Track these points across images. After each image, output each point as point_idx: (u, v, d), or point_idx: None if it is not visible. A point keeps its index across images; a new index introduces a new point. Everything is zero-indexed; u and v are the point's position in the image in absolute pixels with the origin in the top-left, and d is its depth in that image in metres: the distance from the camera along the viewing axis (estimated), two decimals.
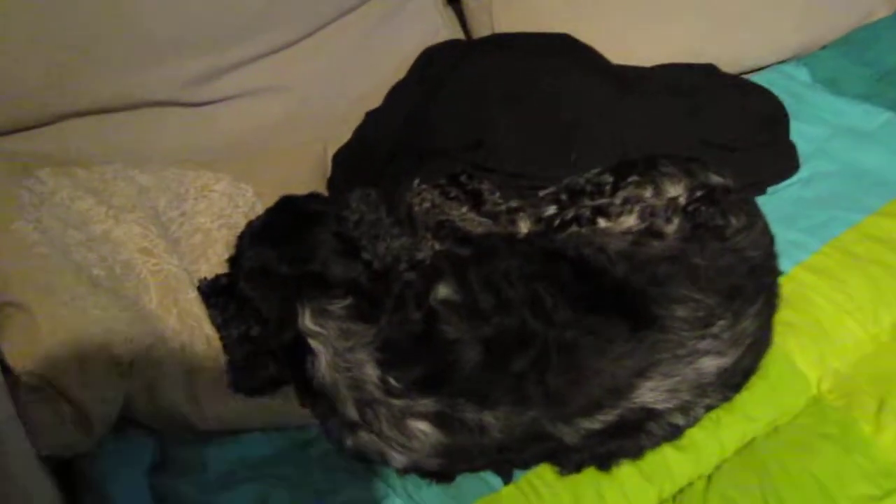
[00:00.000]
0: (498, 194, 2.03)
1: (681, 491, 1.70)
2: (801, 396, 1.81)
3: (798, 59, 2.44)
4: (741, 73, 2.37)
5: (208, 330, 1.67)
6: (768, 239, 1.78)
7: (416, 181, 2.01)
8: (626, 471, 1.68)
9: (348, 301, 1.65)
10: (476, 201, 2.00)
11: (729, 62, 2.34)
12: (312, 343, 1.63)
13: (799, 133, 2.24)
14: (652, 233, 1.74)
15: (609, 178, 1.89)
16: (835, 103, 2.31)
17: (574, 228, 1.80)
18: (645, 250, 1.69)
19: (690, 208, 1.76)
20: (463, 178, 2.02)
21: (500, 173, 2.06)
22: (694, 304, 1.62)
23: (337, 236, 1.74)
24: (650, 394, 1.61)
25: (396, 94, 2.20)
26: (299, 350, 1.64)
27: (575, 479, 1.67)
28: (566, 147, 2.06)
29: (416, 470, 1.62)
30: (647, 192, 1.81)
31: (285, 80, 1.99)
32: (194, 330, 1.65)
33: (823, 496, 1.65)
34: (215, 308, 1.73)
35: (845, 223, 2.04)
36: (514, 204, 1.95)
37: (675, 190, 1.81)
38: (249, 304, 1.69)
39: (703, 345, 1.62)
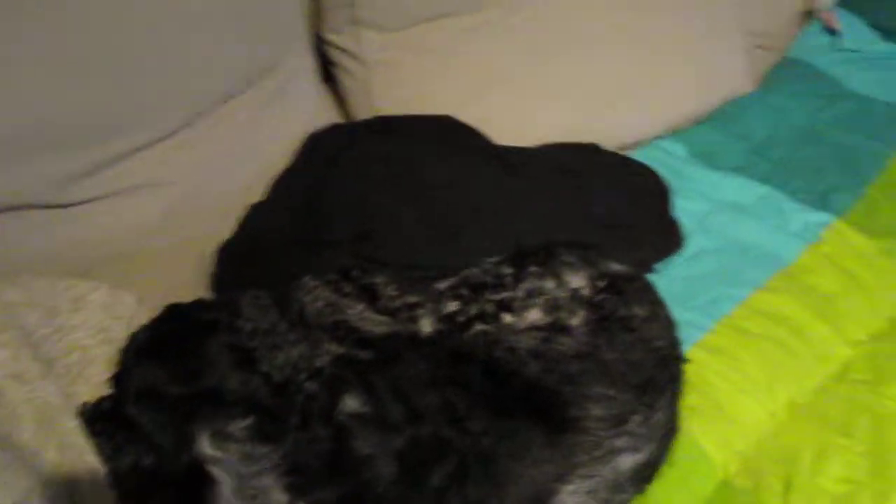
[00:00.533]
0: (393, 288, 1.95)
1: None
2: (709, 481, 1.81)
3: (675, 134, 2.49)
4: (621, 150, 2.40)
5: (93, 462, 1.51)
6: (672, 325, 1.78)
7: (307, 277, 1.91)
8: None
9: (249, 421, 1.53)
10: (371, 297, 1.92)
11: (610, 138, 2.36)
12: (213, 471, 1.50)
13: (681, 209, 2.28)
14: (559, 328, 1.71)
15: (508, 270, 1.85)
16: (711, 177, 2.38)
17: (479, 326, 1.74)
18: (555, 348, 1.66)
19: (596, 300, 1.74)
20: (355, 273, 1.94)
21: (392, 265, 1.99)
22: (608, 402, 1.59)
23: (231, 348, 1.62)
24: (570, 498, 1.56)
25: (282, 183, 2.11)
26: (197, 480, 1.51)
27: None
28: (457, 235, 2.02)
29: None
30: (550, 284, 1.79)
31: (164, 174, 1.87)
32: (76, 464, 1.48)
33: None
34: (100, 437, 1.57)
35: (734, 300, 2.07)
36: (411, 300, 1.88)
37: (577, 281, 1.79)
38: (139, 430, 1.54)
39: (620, 442, 1.59)
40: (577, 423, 1.56)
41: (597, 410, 1.58)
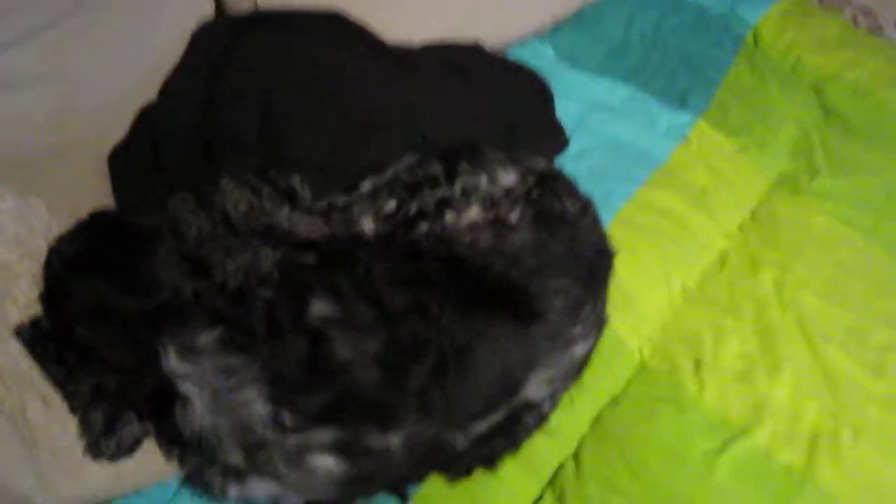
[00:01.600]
0: (309, 190, 1.87)
1: (555, 476, 1.72)
2: (628, 366, 1.92)
3: (540, 36, 2.53)
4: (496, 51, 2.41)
5: (43, 389, 1.35)
6: (598, 219, 1.85)
7: (224, 180, 1.78)
8: (508, 466, 1.67)
9: (218, 332, 1.43)
10: (291, 199, 1.82)
11: (483, 39, 2.36)
12: (183, 387, 1.39)
13: (559, 109, 2.33)
14: (501, 224, 1.72)
15: (438, 168, 1.82)
16: (580, 78, 2.45)
17: (424, 225, 1.71)
18: (510, 244, 1.67)
19: (531, 196, 1.76)
20: (272, 174, 1.83)
21: (302, 167, 1.89)
22: (566, 294, 1.64)
23: (182, 257, 1.49)
24: (533, 387, 1.61)
25: (173, 82, 1.92)
26: (164, 397, 1.39)
27: (465, 483, 1.62)
28: (367, 135, 1.95)
29: None
30: (483, 181, 1.79)
31: (54, 66, 1.64)
32: (25, 392, 1.31)
33: (674, 457, 1.78)
34: (48, 361, 1.39)
35: (623, 196, 2.18)
36: (341, 201, 1.80)
37: (509, 178, 1.80)
38: (93, 351, 1.39)
39: (575, 331, 1.65)
40: (542, 315, 1.60)
41: (557, 302, 1.63)
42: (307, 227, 1.74)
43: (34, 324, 1.42)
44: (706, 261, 2.15)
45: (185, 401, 1.39)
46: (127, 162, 1.81)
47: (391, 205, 1.76)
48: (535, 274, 1.62)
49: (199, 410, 1.39)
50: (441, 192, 1.77)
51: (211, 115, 1.87)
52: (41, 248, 1.49)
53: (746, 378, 1.93)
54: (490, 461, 1.63)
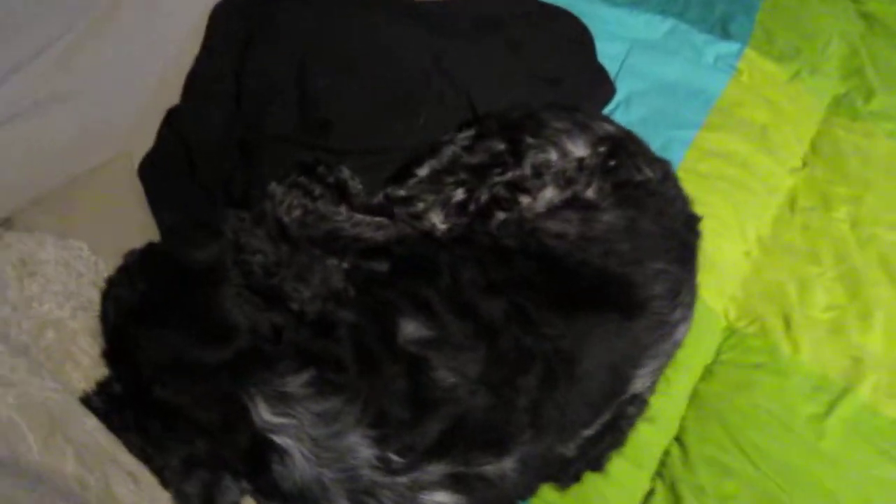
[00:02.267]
0: (358, 181, 1.70)
1: (662, 464, 1.62)
2: (716, 332, 1.82)
3: None
4: None
5: (129, 463, 1.20)
6: (678, 181, 1.70)
7: (273, 184, 1.61)
8: (614, 463, 1.56)
9: (308, 374, 1.28)
10: (344, 195, 1.66)
11: None
12: (279, 440, 1.25)
13: (599, 51, 2.16)
14: (581, 204, 1.57)
15: (501, 145, 1.66)
16: (617, 14, 2.28)
17: (501, 215, 1.56)
18: (597, 227, 1.52)
19: (607, 166, 1.61)
20: (321, 170, 1.66)
21: (350, 154, 1.72)
22: (665, 276, 1.52)
23: (252, 292, 1.33)
24: (640, 381, 1.49)
25: (199, 77, 1.73)
26: (259, 452, 1.25)
27: (575, 488, 1.51)
28: (412, 109, 1.78)
29: None
30: (553, 155, 1.64)
31: (66, 82, 1.44)
32: (108, 469, 1.17)
33: (780, 427, 1.69)
34: (129, 430, 1.24)
35: (682, 143, 2.03)
36: (401, 193, 1.64)
37: (579, 148, 1.65)
38: (176, 413, 1.24)
39: (677, 315, 1.53)
40: (645, 304, 1.48)
41: (658, 287, 1.50)
42: (371, 228, 1.58)
43: (104, 388, 1.27)
44: (776, 204, 2.03)
45: (283, 454, 1.25)
46: (159, 172, 1.64)
47: (459, 194, 1.61)
48: (632, 260, 1.49)
49: (299, 463, 1.27)
50: (511, 174, 1.62)
51: (244, 106, 1.68)
52: (93, 298, 1.33)
53: (839, 331, 1.83)
54: (598, 462, 1.52)
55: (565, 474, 1.50)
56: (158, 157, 1.67)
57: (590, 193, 1.59)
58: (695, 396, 1.71)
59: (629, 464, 1.59)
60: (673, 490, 1.59)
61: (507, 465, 1.35)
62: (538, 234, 1.50)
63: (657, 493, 1.59)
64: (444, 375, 1.33)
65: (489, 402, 1.34)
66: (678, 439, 1.66)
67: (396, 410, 1.30)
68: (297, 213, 1.60)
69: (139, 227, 1.51)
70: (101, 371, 1.30)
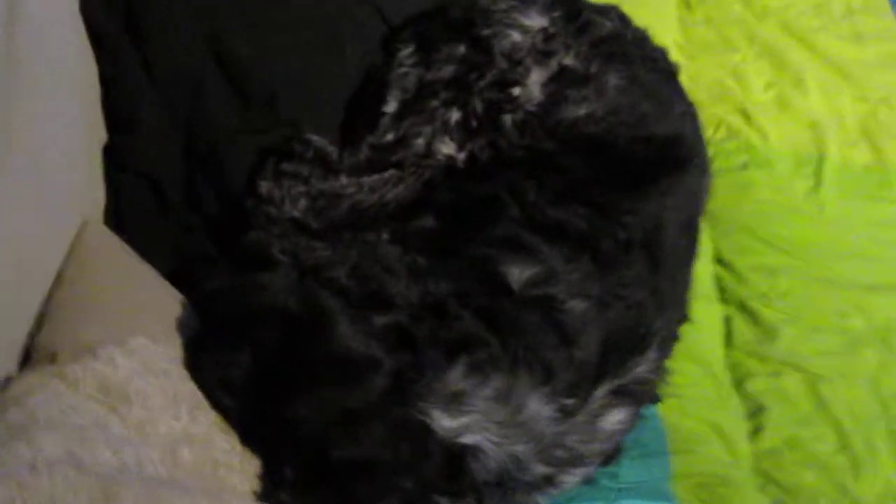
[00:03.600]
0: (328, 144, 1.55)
1: (721, 290, 1.69)
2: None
3: None
4: None
5: None
6: (629, 19, 1.67)
7: (261, 184, 1.43)
8: None
9: (462, 364, 1.20)
10: (326, 165, 1.51)
11: None
12: (467, 440, 1.17)
13: None
14: (574, 76, 1.52)
15: (460, 48, 1.56)
16: None
17: (507, 118, 1.47)
18: (613, 97, 1.49)
19: (575, 28, 1.55)
20: (297, 147, 1.49)
21: (297, 116, 1.56)
22: (687, 116, 1.54)
23: (355, 309, 1.20)
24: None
25: (113, 102, 1.45)
26: (455, 462, 1.17)
27: None
28: (338, 47, 1.62)
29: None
30: (516, 36, 1.56)
31: None
32: None
33: (788, 210, 1.83)
34: None
35: None
36: (388, 137, 1.51)
37: (535, 20, 1.58)
38: (368, 467, 1.13)
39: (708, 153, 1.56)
40: (691, 152, 1.48)
41: (689, 129, 1.51)
42: (389, 186, 1.45)
43: (274, 479, 1.11)
44: (673, 8, 2.04)
45: (475, 451, 1.17)
46: (133, 218, 1.39)
47: (455, 114, 1.49)
48: (661, 114, 1.48)
49: (491, 452, 1.19)
50: (490, 73, 1.51)
51: (175, 109, 1.44)
52: (194, 391, 1.13)
53: (786, 105, 1.94)
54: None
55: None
56: (122, 206, 1.40)
57: (570, 60, 1.52)
58: (709, 216, 1.74)
59: (698, 302, 1.60)
60: (743, 308, 1.65)
61: (651, 355, 1.33)
62: (568, 126, 1.42)
63: (733, 317, 1.64)
64: (574, 304, 1.27)
65: (620, 308, 1.30)
66: (720, 261, 1.70)
67: (553, 356, 1.23)
68: (302, 203, 1.43)
69: (158, 288, 1.28)
70: (254, 464, 1.12)
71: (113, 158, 1.41)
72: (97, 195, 1.39)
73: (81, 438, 1.02)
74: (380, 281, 1.23)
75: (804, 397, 1.54)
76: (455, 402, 1.17)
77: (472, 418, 1.17)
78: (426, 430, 1.15)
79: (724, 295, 1.67)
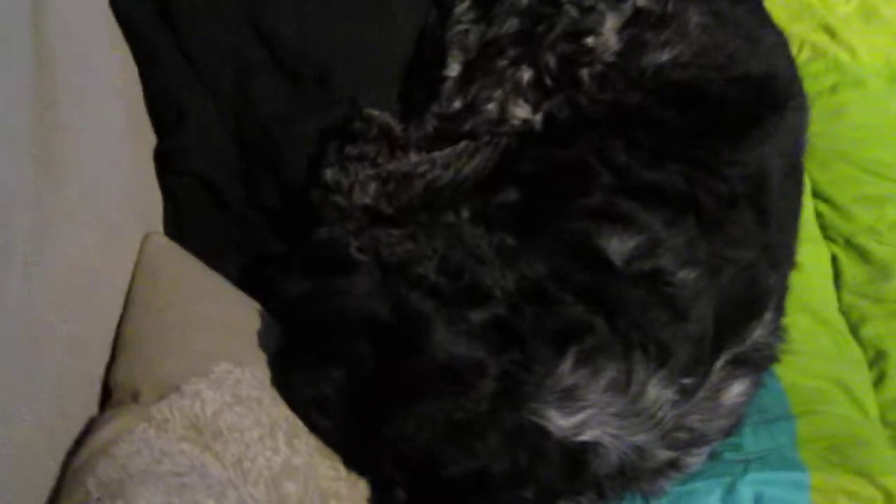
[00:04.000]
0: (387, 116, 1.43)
1: (823, 227, 1.57)
2: None
3: None
4: None
5: None
6: None
7: (327, 172, 1.32)
8: None
9: (571, 355, 1.09)
10: (392, 143, 1.39)
11: None
12: (586, 437, 1.08)
13: None
14: (651, 18, 1.37)
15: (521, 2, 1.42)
16: None
17: (584, 71, 1.34)
18: (696, 34, 1.34)
19: None
20: (358, 126, 1.37)
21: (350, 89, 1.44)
22: (779, 47, 1.40)
23: (449, 308, 1.09)
24: None
25: (159, 102, 1.34)
26: (575, 461, 1.08)
27: None
28: (386, 12, 1.49)
29: None
30: None
31: None
32: None
33: (886, 131, 1.65)
34: None
35: None
36: (456, 105, 1.38)
37: None
38: (482, 483, 1.04)
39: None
40: (787, 88, 1.35)
41: (782, 64, 1.38)
42: (463, 158, 1.34)
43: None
44: None
45: (595, 447, 1.08)
46: (194, 226, 1.30)
47: (526, 73, 1.36)
48: (750, 51, 1.34)
49: (611, 445, 1.10)
50: (560, 24, 1.37)
51: (221, 96, 1.34)
52: (289, 416, 1.06)
53: (870, 15, 1.78)
54: None
55: None
56: (181, 211, 1.31)
57: (644, 1, 1.38)
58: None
59: (803, 244, 1.48)
60: (850, 245, 1.54)
61: (767, 317, 1.22)
62: (653, 75, 1.29)
63: (840, 257, 1.52)
64: (684, 274, 1.17)
65: (732, 271, 1.19)
66: (819, 196, 1.57)
67: (667, 335, 1.13)
68: (372, 188, 1.32)
69: (233, 301, 1.20)
70: (361, 489, 1.04)
71: (166, 163, 1.30)
72: (153, 204, 1.29)
73: (180, 488, 0.94)
74: (472, 272, 1.13)
75: None
76: (569, 398, 1.08)
77: (588, 414, 1.09)
78: (542, 434, 1.07)
79: (827, 233, 1.56)
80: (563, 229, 1.21)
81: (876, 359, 1.43)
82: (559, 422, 1.08)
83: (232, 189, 1.34)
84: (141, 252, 1.21)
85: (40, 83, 1.04)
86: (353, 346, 1.05)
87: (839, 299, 1.49)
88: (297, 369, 1.08)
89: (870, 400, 1.38)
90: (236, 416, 1.03)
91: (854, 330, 1.45)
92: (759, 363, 1.22)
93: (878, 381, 1.41)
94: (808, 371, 1.37)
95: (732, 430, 1.24)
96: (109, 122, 1.22)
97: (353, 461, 1.06)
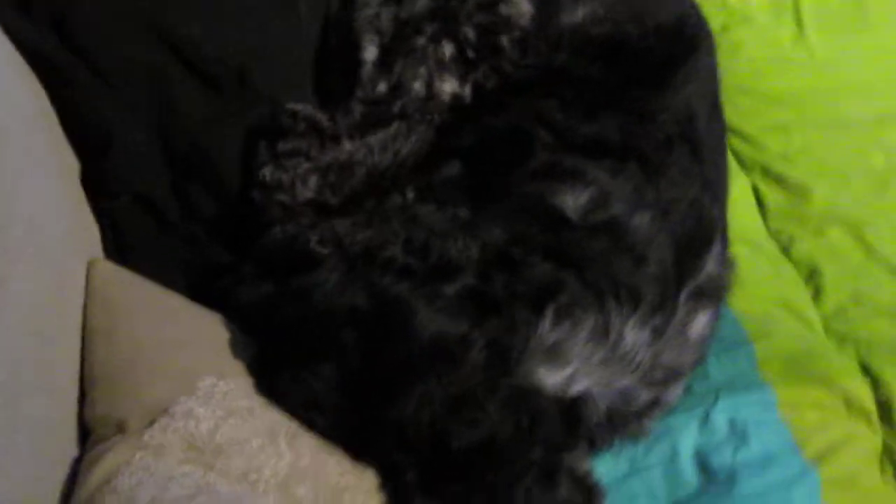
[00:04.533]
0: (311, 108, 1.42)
1: None
2: None
3: None
4: None
5: None
6: None
7: (263, 171, 1.30)
8: None
9: (550, 312, 1.12)
10: (321, 134, 1.38)
11: None
12: (575, 391, 1.11)
13: None
14: None
15: None
16: None
17: (504, 39, 1.36)
18: None
19: None
20: (286, 122, 1.36)
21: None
22: None
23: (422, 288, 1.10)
24: None
25: (82, 128, 1.28)
26: (570, 416, 1.11)
27: None
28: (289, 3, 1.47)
29: None
30: None
31: None
32: None
33: None
34: None
35: None
36: (381, 89, 1.38)
37: None
38: (490, 449, 1.05)
39: None
40: (697, 31, 1.40)
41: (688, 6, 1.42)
42: (399, 140, 1.33)
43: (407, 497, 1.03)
44: None
45: (585, 399, 1.12)
46: (139, 246, 1.26)
47: (447, 48, 1.36)
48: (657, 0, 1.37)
49: (598, 394, 1.15)
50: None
51: (141, 108, 1.30)
52: (281, 422, 1.04)
53: None
54: None
55: None
56: (121, 233, 1.26)
57: None
58: None
59: None
60: (767, 173, 1.65)
61: (715, 249, 1.27)
62: (572, 33, 1.32)
63: (758, 185, 1.63)
64: (637, 219, 1.20)
65: (681, 209, 1.24)
66: (730, 131, 1.63)
67: (636, 280, 1.17)
68: (313, 180, 1.30)
69: (195, 315, 1.17)
70: (370, 478, 1.04)
71: (99, 187, 1.24)
72: (90, 230, 1.24)
73: None
74: (438, 248, 1.12)
75: (852, 248, 1.51)
76: (554, 355, 1.11)
77: (574, 367, 1.11)
78: (537, 394, 1.08)
79: (744, 165, 1.61)
80: (515, 194, 1.21)
81: (810, 276, 1.50)
82: (550, 379, 1.09)
83: (168, 204, 1.29)
84: (89, 281, 1.16)
85: None
86: (335, 339, 1.04)
87: (766, 226, 1.56)
88: (281, 372, 1.06)
89: (812, 314, 1.45)
90: (233, 429, 1.01)
91: (785, 252, 1.52)
92: (715, 294, 1.27)
93: (816, 296, 1.48)
94: (754, 297, 1.43)
95: (700, 361, 1.28)
96: (35, 155, 1.15)
97: (358, 452, 1.04)
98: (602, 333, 1.12)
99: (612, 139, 1.26)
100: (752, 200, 1.58)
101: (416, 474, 1.03)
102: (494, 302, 1.09)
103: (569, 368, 1.10)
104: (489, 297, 1.10)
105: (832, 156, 1.60)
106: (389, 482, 1.04)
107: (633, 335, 1.14)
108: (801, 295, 1.47)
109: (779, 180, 1.59)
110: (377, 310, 1.05)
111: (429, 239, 1.13)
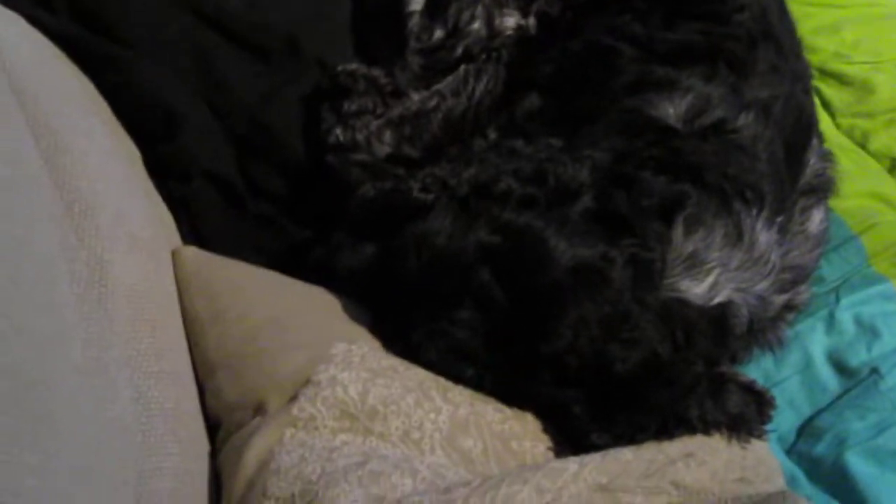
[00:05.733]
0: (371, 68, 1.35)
1: None
2: None
3: None
4: None
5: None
6: None
7: (334, 133, 1.23)
8: None
9: (680, 221, 1.05)
10: (379, 90, 1.31)
11: None
12: (722, 298, 1.05)
13: None
14: None
15: None
16: None
17: None
18: None
19: None
20: (344, 81, 1.29)
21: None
22: None
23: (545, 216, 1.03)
24: None
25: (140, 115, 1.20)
26: (719, 325, 1.05)
27: None
28: None
29: None
30: None
31: None
32: None
33: None
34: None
35: None
36: (438, 34, 1.33)
37: None
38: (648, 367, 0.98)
39: None
40: None
41: None
42: (472, 82, 1.27)
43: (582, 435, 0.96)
44: None
45: (730, 306, 1.06)
46: (221, 228, 1.18)
47: None
48: None
49: (741, 301, 1.08)
50: None
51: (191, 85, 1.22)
52: (427, 376, 0.96)
53: None
54: None
55: None
56: (198, 216, 1.17)
57: None
58: None
59: None
60: (825, 73, 1.61)
61: (814, 142, 1.23)
62: None
63: (819, 87, 1.56)
64: (743, 119, 1.16)
65: (780, 104, 1.20)
66: None
67: (755, 178, 1.11)
68: (388, 134, 1.23)
69: (299, 290, 1.09)
70: (530, 421, 0.97)
71: (168, 170, 1.16)
72: (166, 219, 1.15)
73: (370, 476, 0.83)
74: (552, 172, 1.05)
75: None
76: (694, 264, 1.04)
77: (715, 275, 1.04)
78: (686, 305, 1.02)
79: None
80: (610, 113, 1.15)
81: (892, 167, 1.45)
82: (695, 290, 1.03)
83: (238, 183, 1.21)
84: (179, 269, 1.07)
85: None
86: (470, 281, 0.96)
87: (836, 125, 1.51)
88: (415, 329, 0.98)
89: None
90: (383, 389, 0.93)
91: (863, 147, 1.47)
92: (824, 189, 1.22)
93: None
94: (846, 194, 1.37)
95: (821, 257, 1.22)
96: (99, 144, 1.06)
97: (514, 396, 0.97)
98: (736, 237, 1.06)
99: (698, 44, 1.20)
100: (817, 101, 1.52)
101: (583, 408, 0.96)
102: (622, 219, 1.02)
103: (711, 277, 1.04)
104: (616, 215, 1.03)
105: (886, 48, 1.55)
106: (554, 422, 0.96)
107: (765, 236, 1.09)
108: (891, 185, 1.41)
109: (838, 79, 1.54)
110: (508, 243, 0.97)
111: (540, 165, 1.05)
